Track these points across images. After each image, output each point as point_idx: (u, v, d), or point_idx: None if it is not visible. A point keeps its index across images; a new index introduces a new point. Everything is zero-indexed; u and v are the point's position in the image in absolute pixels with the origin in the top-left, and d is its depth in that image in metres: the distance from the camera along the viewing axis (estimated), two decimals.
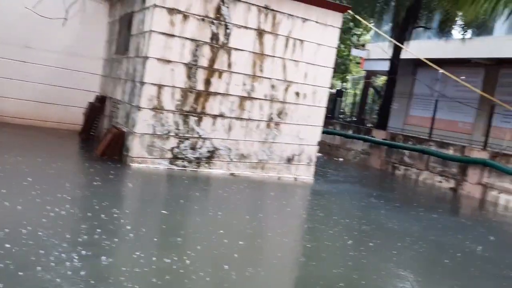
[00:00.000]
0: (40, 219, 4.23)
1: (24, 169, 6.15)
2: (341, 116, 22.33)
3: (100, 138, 8.78)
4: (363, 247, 5.12)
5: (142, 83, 7.46)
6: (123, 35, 9.00)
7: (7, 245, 3.53)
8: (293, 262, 4.63)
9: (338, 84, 28.29)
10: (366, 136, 14.04)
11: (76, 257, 3.52)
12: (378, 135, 13.85)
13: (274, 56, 8.42)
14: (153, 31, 7.40)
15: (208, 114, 8.02)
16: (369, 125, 18.70)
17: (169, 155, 7.77)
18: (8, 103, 9.66)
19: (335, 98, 20.85)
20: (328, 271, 4.26)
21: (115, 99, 8.97)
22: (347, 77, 28.45)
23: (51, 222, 4.25)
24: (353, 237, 5.58)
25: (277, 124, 8.68)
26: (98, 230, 4.21)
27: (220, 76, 8.02)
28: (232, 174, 8.30)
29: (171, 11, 7.48)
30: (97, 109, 9.65)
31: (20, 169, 6.12)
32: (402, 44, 14.21)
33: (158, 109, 7.59)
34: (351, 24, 21.67)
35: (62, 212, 4.57)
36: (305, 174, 9.11)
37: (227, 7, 7.89)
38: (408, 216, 7.31)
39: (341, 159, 14.26)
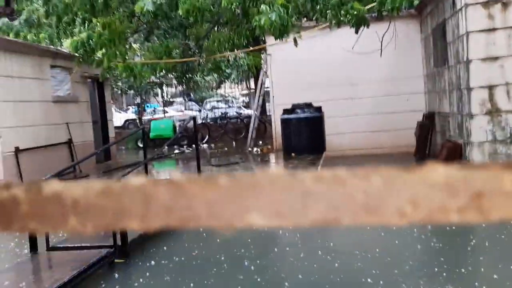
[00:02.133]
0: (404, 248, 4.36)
1: None
2: None
3: (436, 155, 8.55)
4: None
5: (469, 89, 6.91)
6: (439, 46, 8.69)
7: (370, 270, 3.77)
8: None
9: None
10: None
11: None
12: None
13: None
14: (470, 31, 6.82)
15: None
16: None
17: None
18: (346, 138, 10.75)
19: None
20: None
21: (443, 113, 8.62)
22: None
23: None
24: None
25: None
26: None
27: None
28: None
29: (486, 4, 6.74)
30: (427, 126, 9.51)
31: None
32: None
33: (493, 112, 6.82)
34: None
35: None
36: None
37: None
38: None
39: None
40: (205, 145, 14.44)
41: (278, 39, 8.06)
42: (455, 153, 7.38)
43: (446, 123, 8.43)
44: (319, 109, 9.67)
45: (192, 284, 3.71)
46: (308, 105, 9.72)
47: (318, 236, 4.73)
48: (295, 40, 8.40)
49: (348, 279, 3.60)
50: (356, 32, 7.78)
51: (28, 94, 8.61)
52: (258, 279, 3.67)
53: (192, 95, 31.09)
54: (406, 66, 10.45)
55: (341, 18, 6.89)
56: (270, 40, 10.31)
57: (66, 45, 10.81)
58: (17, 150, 8.10)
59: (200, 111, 23.45)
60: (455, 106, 7.70)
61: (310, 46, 10.12)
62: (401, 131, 10.35)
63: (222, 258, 4.30)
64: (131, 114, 27.44)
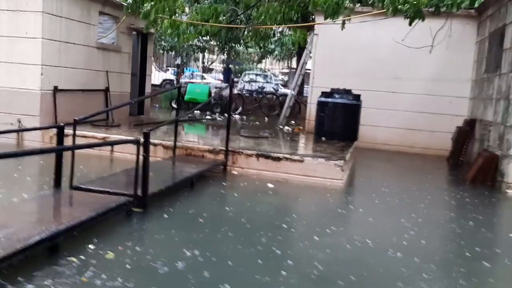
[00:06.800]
0: (414, 244, 4.26)
1: (398, 192, 6.44)
2: None
3: (471, 163, 8.28)
4: None
5: None
6: (494, 52, 8.29)
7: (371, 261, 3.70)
8: None
9: None
10: None
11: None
12: None
13: None
14: None
15: None
16: None
17: None
18: (380, 131, 10.51)
19: None
20: None
21: (486, 121, 8.29)
22: None
23: (424, 246, 4.20)
24: None
25: None
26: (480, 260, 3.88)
27: None
28: None
29: None
30: (465, 133, 9.18)
31: (395, 193, 6.44)
32: None
33: None
34: None
35: (436, 237, 4.47)
36: None
37: None
38: None
39: None
40: (237, 116, 14.44)
41: (329, 19, 7.85)
42: (491, 164, 7.10)
43: (487, 132, 8.11)
44: (357, 97, 9.44)
45: (198, 239, 3.75)
46: (347, 91, 9.49)
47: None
48: (343, 23, 8.16)
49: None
50: (410, 24, 7.47)
51: (73, 37, 8.71)
52: (270, 243, 3.66)
53: (231, 65, 30.96)
54: (455, 68, 10.06)
55: (399, 7, 6.61)
56: (319, 19, 10.06)
57: None
58: (56, 89, 8.27)
59: (237, 82, 23.39)
60: (500, 115, 7.37)
61: (359, 32, 9.87)
62: (438, 134, 10.06)
63: (234, 219, 4.33)
64: (169, 75, 27.61)
